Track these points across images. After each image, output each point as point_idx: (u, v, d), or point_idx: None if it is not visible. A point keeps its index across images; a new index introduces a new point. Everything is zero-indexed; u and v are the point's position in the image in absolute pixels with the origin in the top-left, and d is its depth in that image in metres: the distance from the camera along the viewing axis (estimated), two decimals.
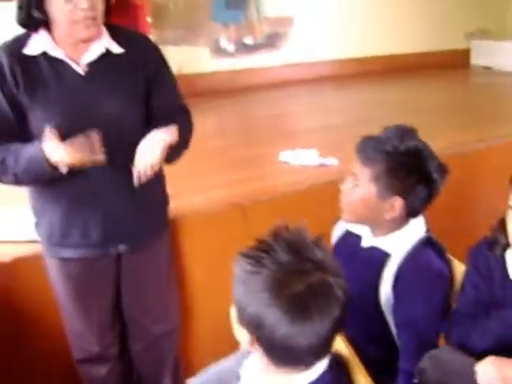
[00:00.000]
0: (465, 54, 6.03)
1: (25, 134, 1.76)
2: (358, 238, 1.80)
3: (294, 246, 1.10)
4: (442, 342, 1.69)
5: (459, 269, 1.73)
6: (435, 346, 1.65)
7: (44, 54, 1.74)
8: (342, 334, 1.37)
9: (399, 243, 1.68)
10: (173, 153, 1.82)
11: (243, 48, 5.19)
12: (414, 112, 3.79)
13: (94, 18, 1.69)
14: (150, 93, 1.88)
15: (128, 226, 1.90)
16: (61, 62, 1.75)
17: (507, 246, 1.55)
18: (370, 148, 1.65)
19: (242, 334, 1.13)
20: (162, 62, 1.94)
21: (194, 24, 4.93)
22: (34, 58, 1.74)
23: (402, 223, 1.70)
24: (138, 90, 1.85)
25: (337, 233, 1.91)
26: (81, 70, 1.76)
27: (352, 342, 1.42)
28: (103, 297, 2.02)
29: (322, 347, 1.11)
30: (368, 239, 1.76)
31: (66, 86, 1.75)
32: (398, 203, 1.64)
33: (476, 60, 5.99)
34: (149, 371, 2.23)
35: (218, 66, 5.08)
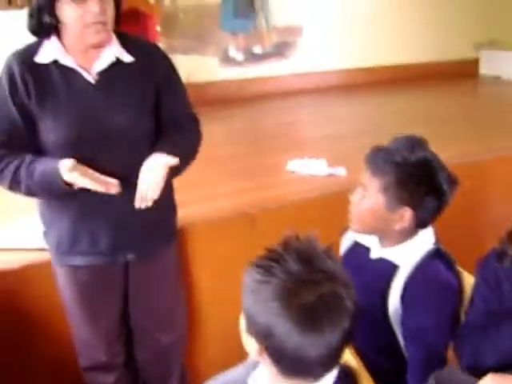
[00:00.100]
0: (474, 63, 6.03)
1: (35, 143, 1.77)
2: (367, 249, 1.79)
3: (304, 255, 1.09)
4: (450, 353, 1.68)
5: (469, 280, 1.72)
6: (444, 358, 1.64)
7: (55, 62, 1.75)
8: (351, 345, 1.36)
9: (408, 254, 1.67)
10: (179, 167, 1.82)
11: (252, 57, 5.21)
12: (423, 122, 3.78)
13: (104, 23, 1.71)
14: (160, 101, 1.89)
15: (136, 235, 1.90)
16: (71, 70, 1.75)
17: None
18: (379, 159, 1.65)
19: (250, 344, 1.13)
20: (171, 71, 1.94)
21: (202, 33, 4.95)
22: (45, 66, 1.75)
23: (411, 234, 1.70)
24: (148, 98, 1.86)
25: (345, 243, 1.90)
26: (91, 78, 1.77)
27: (360, 353, 1.42)
28: (111, 305, 2.02)
29: (332, 358, 1.11)
30: (376, 250, 1.76)
31: (76, 95, 1.76)
32: (407, 214, 1.64)
33: (485, 70, 5.99)
34: (155, 379, 2.23)
35: (227, 75, 5.10)
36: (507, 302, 1.53)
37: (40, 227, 1.95)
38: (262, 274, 1.09)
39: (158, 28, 4.31)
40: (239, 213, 2.51)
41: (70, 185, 1.70)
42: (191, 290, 2.38)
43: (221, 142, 3.60)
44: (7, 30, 3.47)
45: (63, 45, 1.75)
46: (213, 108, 4.28)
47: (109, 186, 1.69)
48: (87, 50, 1.76)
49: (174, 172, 1.82)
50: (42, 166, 1.71)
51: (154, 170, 1.75)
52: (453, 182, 1.64)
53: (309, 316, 1.05)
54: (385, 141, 1.71)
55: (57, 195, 1.77)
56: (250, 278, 1.11)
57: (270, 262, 1.09)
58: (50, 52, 1.75)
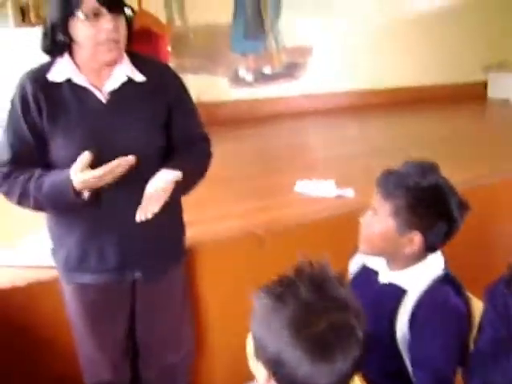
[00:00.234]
0: (482, 86, 6.04)
1: (45, 162, 1.78)
2: (375, 272, 1.79)
3: (317, 282, 1.08)
4: (458, 378, 1.67)
5: (478, 306, 1.71)
6: (451, 383, 1.63)
7: (68, 80, 1.76)
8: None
9: (416, 279, 1.67)
10: (186, 186, 1.83)
11: (262, 78, 5.25)
12: (431, 144, 3.79)
13: (116, 42, 1.72)
14: (171, 120, 1.90)
15: (144, 253, 1.90)
16: (84, 89, 1.77)
17: None
18: (390, 183, 1.65)
19: (258, 369, 1.12)
20: (182, 90, 1.95)
21: (213, 53, 5.00)
22: (58, 84, 1.76)
23: (420, 258, 1.69)
24: (159, 118, 1.87)
25: (354, 266, 1.90)
26: (103, 97, 1.78)
27: (367, 377, 1.41)
28: (117, 323, 2.01)
29: None
30: (385, 274, 1.75)
31: (88, 114, 1.77)
32: (417, 238, 1.63)
33: (493, 93, 6.00)
34: None
35: (237, 95, 5.13)
36: None
37: (48, 244, 1.95)
38: (273, 301, 1.08)
39: (169, 48, 4.35)
40: (247, 233, 2.50)
41: (79, 194, 1.70)
42: (199, 309, 2.38)
43: (230, 162, 3.61)
44: (20, 47, 3.51)
45: (76, 63, 1.77)
46: (222, 128, 4.29)
47: (121, 164, 1.67)
48: (100, 68, 1.78)
49: (181, 190, 1.82)
50: (52, 177, 1.72)
51: (158, 184, 1.75)
52: (463, 207, 1.64)
53: (320, 345, 1.04)
54: (393, 163, 1.71)
55: (65, 207, 1.76)
56: (260, 303, 1.10)
57: (281, 289, 1.08)
58: (62, 70, 1.77)
